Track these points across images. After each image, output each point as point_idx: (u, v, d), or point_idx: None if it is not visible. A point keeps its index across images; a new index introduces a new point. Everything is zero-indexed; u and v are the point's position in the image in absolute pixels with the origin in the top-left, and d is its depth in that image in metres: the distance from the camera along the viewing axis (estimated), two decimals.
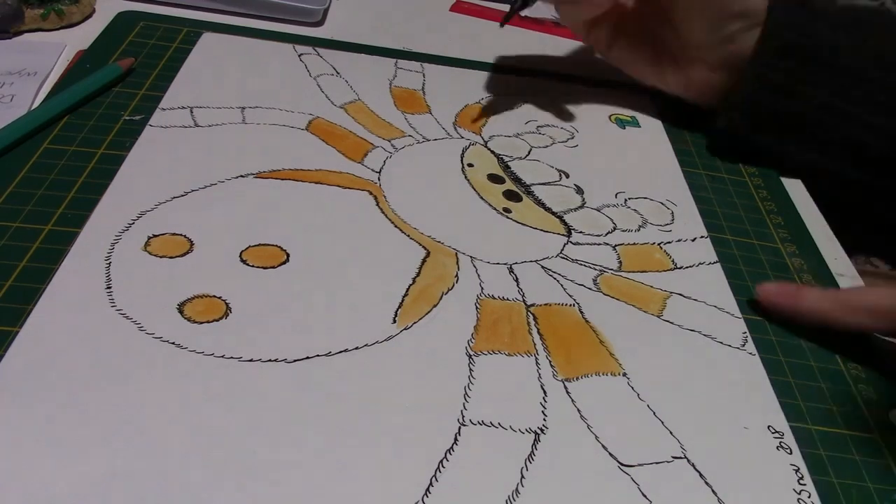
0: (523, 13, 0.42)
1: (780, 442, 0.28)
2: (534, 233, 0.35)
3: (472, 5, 0.56)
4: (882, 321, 0.31)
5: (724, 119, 0.43)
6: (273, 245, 0.31)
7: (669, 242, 0.36)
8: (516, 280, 0.32)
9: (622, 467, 0.25)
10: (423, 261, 0.32)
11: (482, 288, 0.31)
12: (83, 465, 0.22)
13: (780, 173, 0.44)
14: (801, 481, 0.26)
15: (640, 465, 0.26)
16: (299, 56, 0.44)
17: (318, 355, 0.27)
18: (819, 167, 0.43)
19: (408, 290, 0.30)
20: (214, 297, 0.28)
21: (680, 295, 0.33)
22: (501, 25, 0.41)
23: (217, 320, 0.27)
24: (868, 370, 0.32)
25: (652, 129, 0.45)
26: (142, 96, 0.38)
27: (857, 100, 0.40)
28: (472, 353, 0.28)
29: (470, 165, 0.39)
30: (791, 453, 0.27)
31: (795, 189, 0.43)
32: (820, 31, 0.40)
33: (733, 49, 0.41)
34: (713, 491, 0.25)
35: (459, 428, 0.26)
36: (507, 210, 0.36)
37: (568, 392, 0.28)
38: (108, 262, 0.29)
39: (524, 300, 0.31)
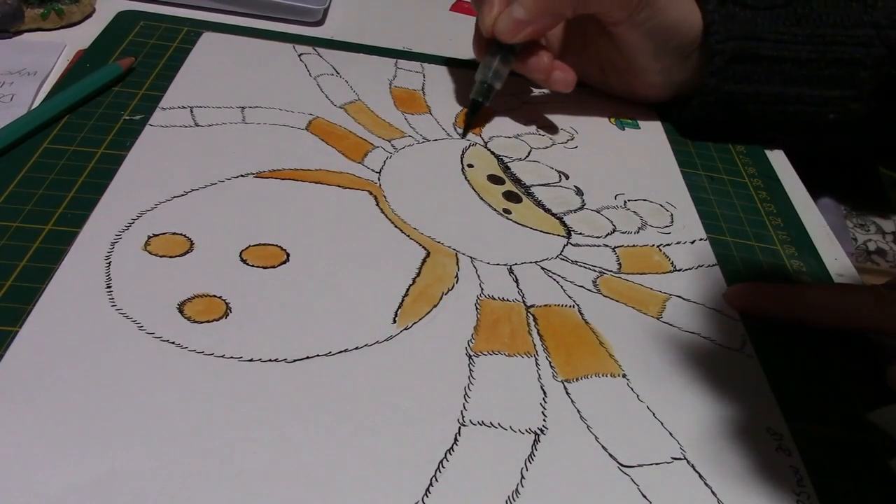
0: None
1: (780, 444, 0.28)
2: (534, 234, 0.35)
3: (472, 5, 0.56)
4: (834, 317, 0.32)
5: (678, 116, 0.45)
6: (273, 245, 0.31)
7: (668, 245, 0.36)
8: (516, 281, 0.32)
9: (622, 468, 0.26)
10: (423, 261, 0.32)
11: (482, 288, 0.31)
12: (83, 465, 0.22)
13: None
14: (801, 483, 0.26)
15: (639, 465, 0.26)
16: (299, 56, 0.44)
17: (318, 355, 0.27)
18: (781, 143, 0.46)
19: (408, 290, 0.30)
20: (214, 296, 0.28)
21: (679, 297, 0.33)
22: (463, 136, 0.41)
23: (217, 320, 0.27)
24: (866, 371, 0.32)
25: (652, 131, 0.45)
26: (142, 96, 0.38)
27: (811, 81, 0.41)
28: (472, 353, 0.28)
29: (470, 166, 0.39)
30: (790, 455, 0.27)
31: (796, 189, 0.43)
32: (762, 27, 0.41)
33: (677, 73, 0.42)
34: (713, 492, 0.25)
35: (459, 428, 0.26)
36: (507, 211, 0.36)
37: (568, 393, 0.28)
38: (108, 261, 0.29)
39: (524, 301, 0.31)
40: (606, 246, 0.35)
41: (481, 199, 0.36)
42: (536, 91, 0.47)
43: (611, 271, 0.34)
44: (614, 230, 0.37)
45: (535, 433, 0.26)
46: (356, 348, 0.28)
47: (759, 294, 0.33)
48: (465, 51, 0.49)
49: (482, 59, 0.41)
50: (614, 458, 0.26)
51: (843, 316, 0.32)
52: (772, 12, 0.41)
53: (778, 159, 0.45)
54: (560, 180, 0.39)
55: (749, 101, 0.42)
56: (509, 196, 0.37)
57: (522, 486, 0.24)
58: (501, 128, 0.42)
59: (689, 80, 0.43)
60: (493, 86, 0.41)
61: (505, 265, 0.33)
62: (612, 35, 0.41)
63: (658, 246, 0.36)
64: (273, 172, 0.35)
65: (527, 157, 0.40)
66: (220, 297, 0.28)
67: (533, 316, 0.31)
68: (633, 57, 0.42)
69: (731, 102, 0.42)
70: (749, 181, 0.42)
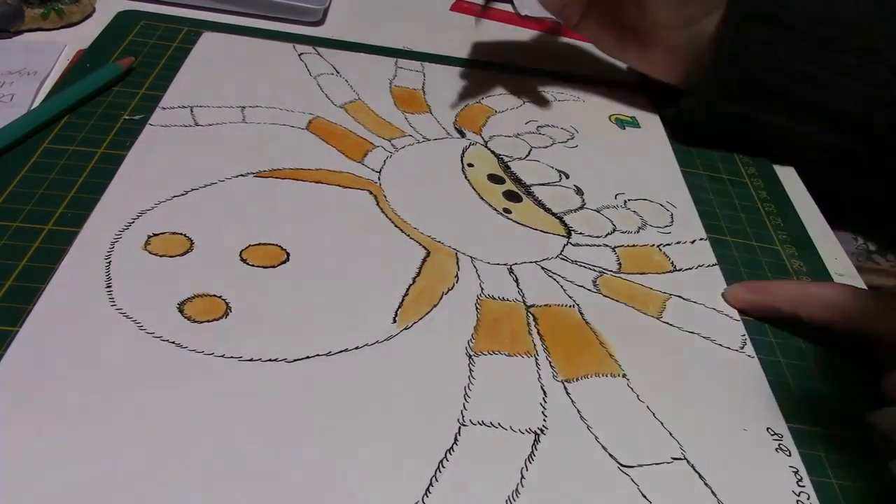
0: (523, 12, 0.42)
1: (779, 444, 0.28)
2: (534, 233, 0.35)
3: (472, 5, 0.56)
4: (836, 316, 0.31)
5: (689, 101, 0.43)
6: (273, 244, 0.31)
7: (668, 244, 0.36)
8: (516, 281, 0.32)
9: (622, 468, 0.26)
10: (424, 261, 0.32)
11: (482, 288, 0.31)
12: (83, 465, 0.22)
13: (753, 149, 0.44)
14: (800, 483, 0.26)
15: (639, 465, 0.26)
16: (299, 55, 0.44)
17: (318, 355, 0.27)
18: (792, 136, 0.43)
19: (408, 289, 0.30)
20: (214, 296, 0.28)
21: (679, 297, 0.33)
22: (483, 9, 0.41)
23: (217, 320, 0.27)
24: (866, 371, 0.32)
25: (652, 130, 0.45)
26: (142, 96, 0.38)
27: (831, 66, 0.39)
28: (472, 353, 0.28)
29: (470, 165, 0.39)
30: (790, 455, 0.27)
31: (795, 190, 0.43)
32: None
33: (696, 30, 0.41)
34: (712, 492, 0.25)
35: (459, 428, 0.26)
36: (507, 210, 0.36)
37: (568, 393, 0.28)
38: (107, 261, 0.29)
39: (524, 301, 0.31)
40: (606, 246, 0.35)
41: (481, 198, 0.36)
42: (537, 90, 0.46)
43: (611, 271, 0.34)
44: (614, 230, 0.36)
45: (535, 433, 0.26)
46: (356, 348, 0.28)
47: (759, 291, 0.33)
48: (466, 50, 0.49)
49: None
50: (614, 458, 0.26)
51: (847, 318, 0.31)
52: None
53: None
54: (560, 180, 0.39)
55: (764, 68, 0.39)
56: (509, 195, 0.37)
57: (522, 486, 0.24)
58: (502, 127, 0.42)
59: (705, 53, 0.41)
60: None
61: (505, 265, 0.33)
62: None
63: (658, 246, 0.36)
64: (273, 172, 0.35)
65: (527, 156, 0.40)
66: (220, 297, 0.28)
67: (533, 316, 0.31)
68: (655, 10, 0.40)
69: (747, 67, 0.39)
70: (749, 181, 0.42)
